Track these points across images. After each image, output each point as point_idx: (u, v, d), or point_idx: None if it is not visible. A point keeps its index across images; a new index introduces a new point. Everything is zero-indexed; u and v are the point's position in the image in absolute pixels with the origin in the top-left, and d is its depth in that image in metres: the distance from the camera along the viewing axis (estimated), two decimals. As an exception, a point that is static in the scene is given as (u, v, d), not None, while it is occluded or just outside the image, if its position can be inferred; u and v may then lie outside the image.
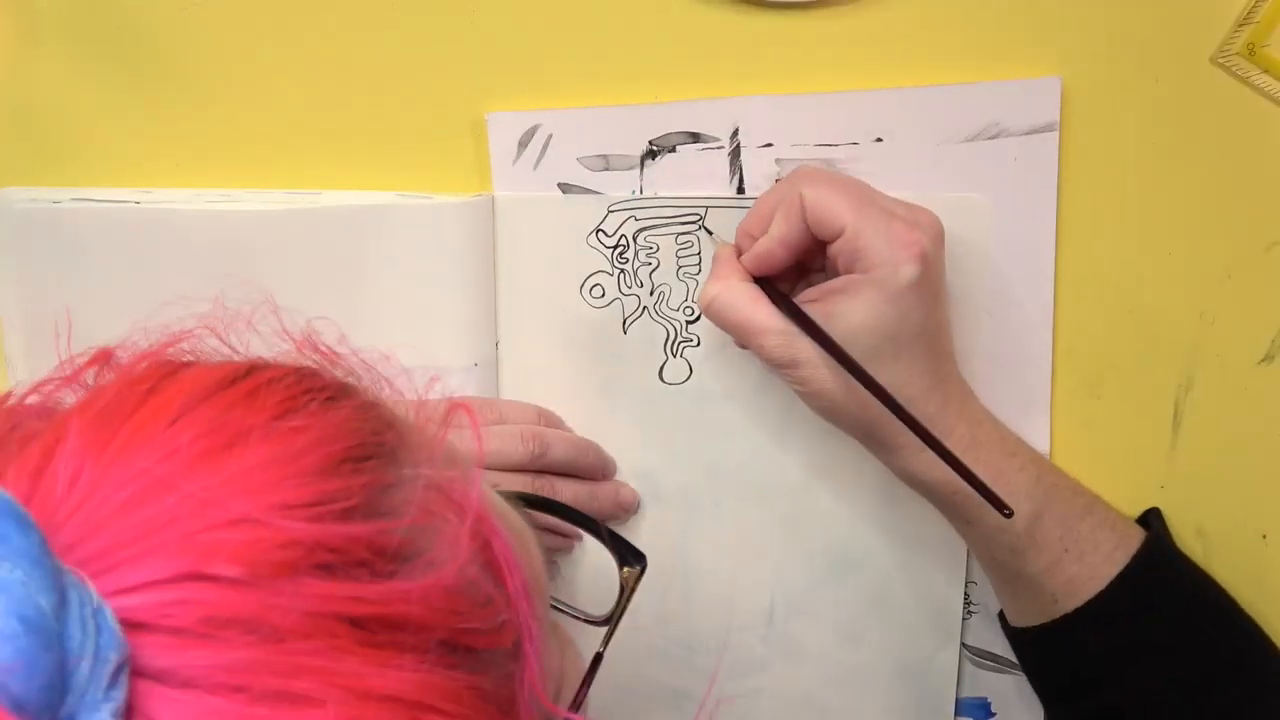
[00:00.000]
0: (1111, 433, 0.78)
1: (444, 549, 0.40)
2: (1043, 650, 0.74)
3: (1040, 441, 0.77)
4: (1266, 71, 0.72)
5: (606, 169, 0.75)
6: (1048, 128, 0.73)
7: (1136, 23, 0.73)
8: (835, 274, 0.68)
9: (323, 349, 0.46)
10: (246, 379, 0.41)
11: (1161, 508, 0.77)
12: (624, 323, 0.77)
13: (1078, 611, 0.70)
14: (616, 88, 0.75)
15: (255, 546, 0.36)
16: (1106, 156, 0.74)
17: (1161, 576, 0.72)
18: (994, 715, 0.81)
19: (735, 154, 0.74)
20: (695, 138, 0.74)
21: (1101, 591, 0.70)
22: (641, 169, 0.75)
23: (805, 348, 0.67)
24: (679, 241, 0.75)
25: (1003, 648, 0.80)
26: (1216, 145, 0.74)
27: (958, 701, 0.81)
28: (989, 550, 0.72)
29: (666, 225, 0.75)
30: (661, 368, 0.77)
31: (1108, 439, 0.78)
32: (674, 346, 0.77)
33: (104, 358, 0.44)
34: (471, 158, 0.75)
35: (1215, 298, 0.76)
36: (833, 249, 0.67)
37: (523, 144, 0.75)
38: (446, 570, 0.39)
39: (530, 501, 0.54)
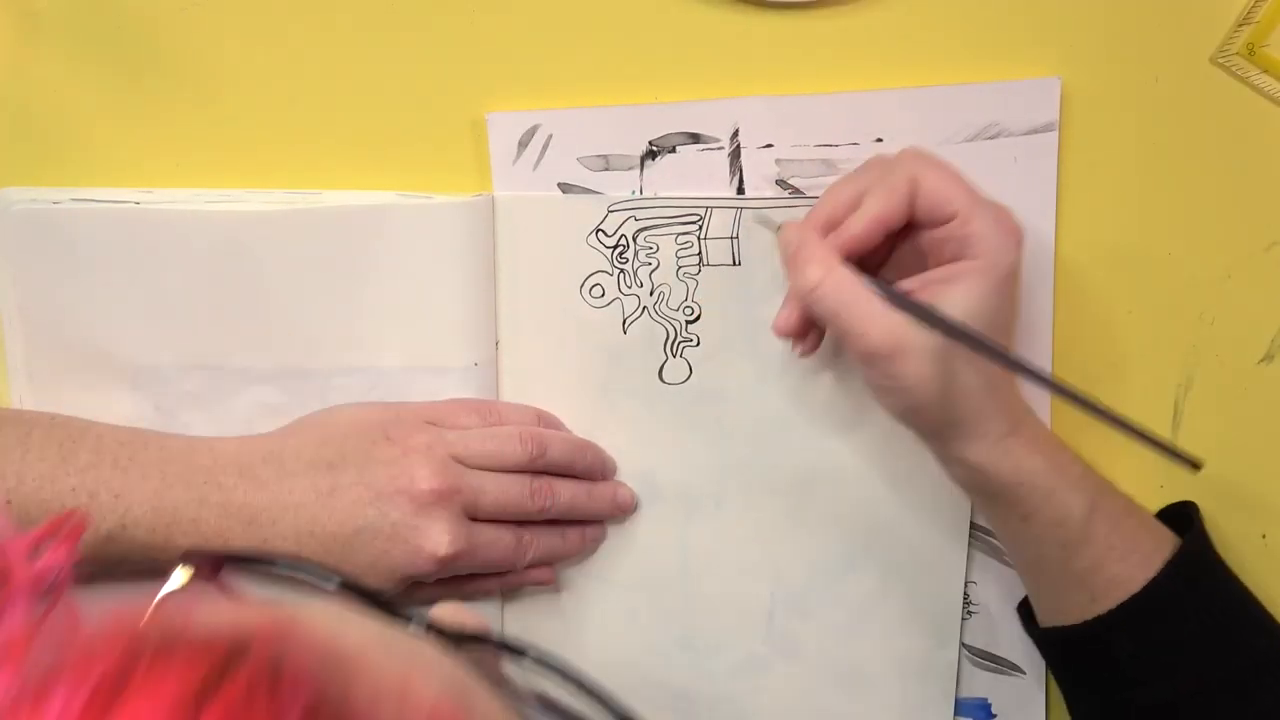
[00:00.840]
0: (1112, 433, 0.78)
1: None
2: (1076, 649, 0.73)
3: (1041, 442, 0.77)
4: (1266, 71, 0.72)
5: (606, 169, 0.75)
6: (1047, 128, 0.73)
7: (1136, 23, 0.73)
8: (917, 264, 0.68)
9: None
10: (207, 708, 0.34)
11: (1160, 507, 0.77)
12: (624, 323, 0.76)
13: (1115, 611, 0.69)
14: (616, 88, 0.75)
15: None
16: (1106, 157, 0.74)
17: (1198, 578, 0.72)
18: (994, 716, 0.81)
19: (735, 154, 0.74)
20: (695, 138, 0.74)
21: (1139, 592, 0.69)
22: (641, 169, 0.75)
23: (911, 337, 0.64)
24: (679, 242, 0.75)
25: (1004, 648, 0.80)
26: (1216, 145, 0.74)
27: (958, 702, 0.81)
28: (1038, 547, 0.70)
29: (666, 225, 0.75)
30: (661, 368, 0.77)
31: (1107, 439, 0.78)
32: (674, 346, 0.77)
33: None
34: (471, 158, 0.75)
35: (1215, 298, 0.76)
36: (938, 234, 0.66)
37: (523, 144, 0.75)
38: None
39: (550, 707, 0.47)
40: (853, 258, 0.67)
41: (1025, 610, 0.78)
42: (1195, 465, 0.65)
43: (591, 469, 0.77)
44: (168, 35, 0.74)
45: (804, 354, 0.73)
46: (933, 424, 0.68)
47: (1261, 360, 0.77)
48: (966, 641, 0.80)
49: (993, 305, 0.65)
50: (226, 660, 0.34)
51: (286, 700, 0.34)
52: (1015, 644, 0.80)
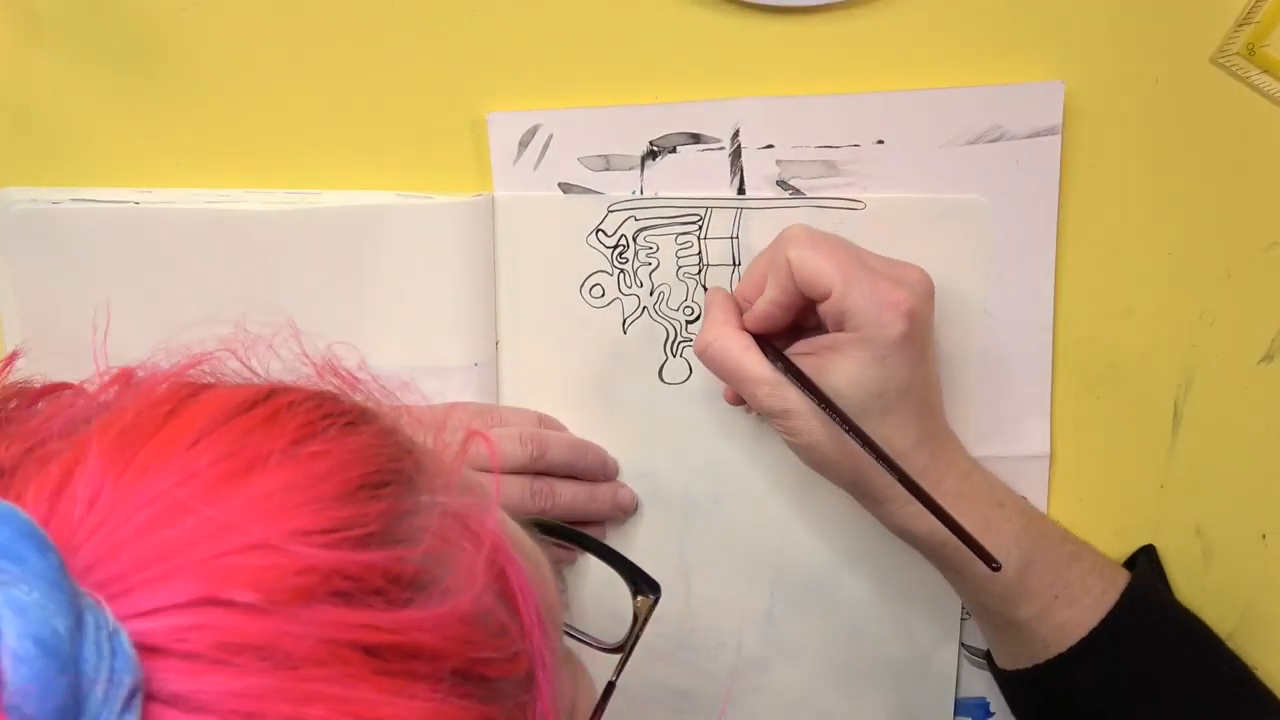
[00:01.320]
0: (1111, 433, 0.78)
1: (459, 577, 0.39)
2: (1034, 692, 0.74)
3: (1040, 442, 0.77)
4: (1266, 71, 0.72)
5: (607, 169, 0.75)
6: (1050, 131, 0.73)
7: (1137, 24, 0.73)
8: (827, 330, 0.69)
9: (343, 374, 0.45)
10: (265, 403, 0.40)
11: (1161, 508, 0.77)
12: (624, 323, 0.76)
13: (1068, 652, 0.70)
14: (617, 88, 0.74)
15: (271, 572, 0.35)
16: (1107, 158, 0.74)
17: (1148, 614, 0.72)
18: (992, 715, 0.81)
19: (736, 155, 0.74)
20: (696, 138, 0.74)
21: (1090, 631, 0.70)
22: (642, 169, 0.75)
23: (796, 399, 0.68)
24: (679, 242, 0.75)
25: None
26: (1216, 145, 0.74)
27: (956, 702, 0.81)
28: (979, 599, 0.72)
29: (666, 225, 0.75)
30: (661, 367, 0.77)
31: (1108, 439, 0.78)
32: (674, 346, 0.77)
33: (125, 377, 0.43)
34: (472, 158, 0.75)
35: (1215, 298, 0.76)
36: (821, 309, 0.68)
37: (523, 144, 0.75)
38: (462, 599, 0.39)
39: (545, 528, 0.53)
40: (768, 332, 0.71)
41: (990, 655, 0.78)
42: (995, 566, 0.65)
43: (592, 470, 0.77)
44: (168, 35, 0.74)
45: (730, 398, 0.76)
46: (841, 482, 0.71)
47: (1261, 360, 0.77)
48: (965, 642, 0.80)
49: (874, 374, 0.67)
50: (279, 386, 0.42)
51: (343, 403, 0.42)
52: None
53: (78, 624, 0.32)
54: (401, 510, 0.40)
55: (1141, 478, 0.78)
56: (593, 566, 0.78)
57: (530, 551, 0.47)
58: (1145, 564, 0.76)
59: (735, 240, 0.75)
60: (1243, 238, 0.75)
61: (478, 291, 0.75)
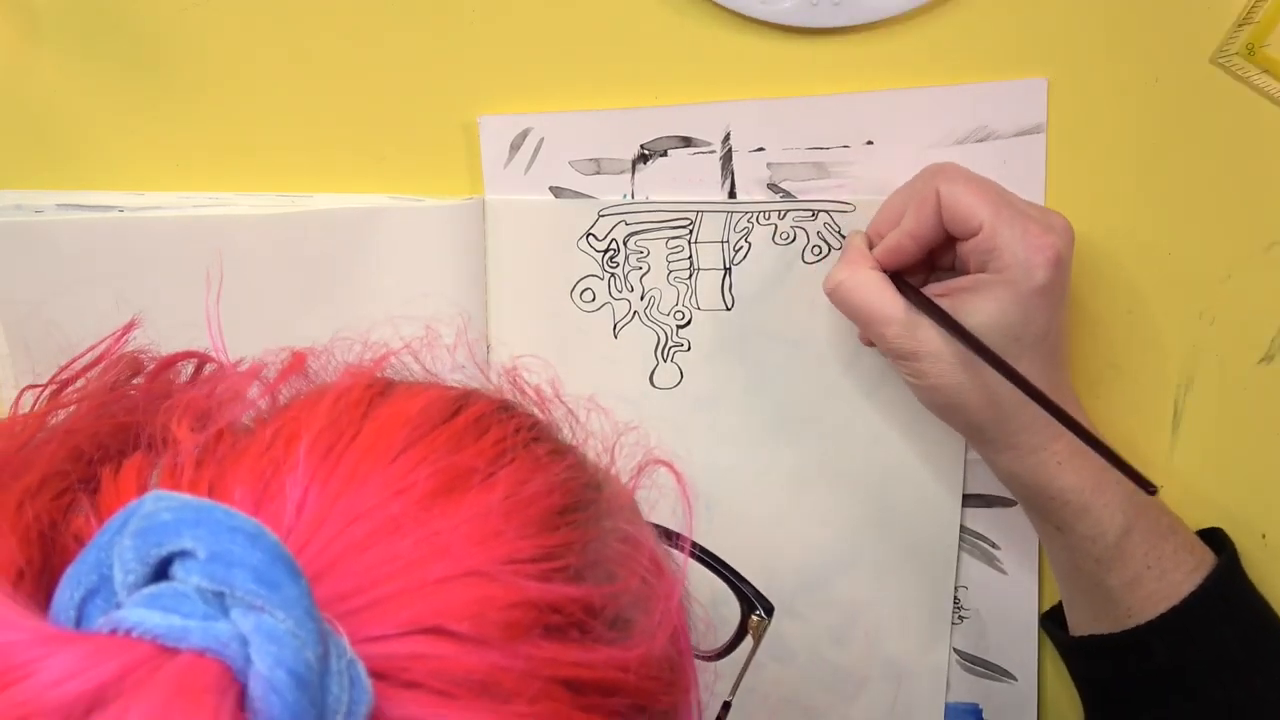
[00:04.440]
0: (1111, 433, 0.77)
1: (656, 616, 0.40)
2: (1108, 659, 0.73)
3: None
4: (1266, 71, 0.71)
5: (598, 172, 0.75)
6: (1036, 129, 0.72)
7: (1136, 23, 0.72)
8: (965, 272, 0.68)
9: (527, 389, 0.47)
10: (458, 415, 0.41)
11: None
12: (615, 327, 0.76)
13: (1150, 624, 0.70)
14: (608, 92, 0.74)
15: (488, 604, 0.36)
16: (1102, 158, 0.74)
17: (1235, 596, 0.72)
18: None
19: (727, 158, 0.74)
20: (687, 142, 0.74)
21: (1177, 605, 0.69)
22: (633, 173, 0.75)
23: (930, 339, 0.67)
24: (669, 246, 0.75)
25: (995, 654, 0.81)
26: (1216, 145, 0.73)
27: (949, 707, 0.81)
28: (1073, 559, 0.71)
29: (657, 230, 0.75)
30: (652, 372, 0.77)
31: (1108, 439, 0.77)
32: (665, 351, 0.77)
33: (298, 365, 0.45)
34: (463, 161, 0.75)
35: (1215, 298, 0.75)
36: (966, 247, 0.66)
37: (514, 147, 0.74)
38: (656, 642, 0.40)
39: (673, 539, 0.54)
40: (898, 267, 0.69)
41: (1051, 620, 0.78)
42: (1153, 489, 0.64)
43: None
44: (166, 37, 0.74)
45: (864, 340, 0.74)
46: (964, 427, 0.70)
47: (1261, 360, 0.76)
48: (958, 646, 0.80)
49: (1014, 318, 0.65)
50: (466, 394, 0.43)
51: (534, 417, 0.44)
52: (1007, 650, 0.81)
53: (324, 654, 0.32)
54: (591, 537, 0.41)
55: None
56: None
57: (673, 569, 0.47)
58: (1230, 547, 0.75)
59: (725, 244, 0.75)
60: (1243, 238, 0.74)
61: (469, 295, 0.75)
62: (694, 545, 0.60)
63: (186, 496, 0.33)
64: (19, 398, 0.44)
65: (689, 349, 0.77)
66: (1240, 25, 0.71)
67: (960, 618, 0.79)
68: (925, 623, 0.80)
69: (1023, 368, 0.66)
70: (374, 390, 0.41)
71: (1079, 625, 0.75)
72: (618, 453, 0.47)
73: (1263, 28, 0.70)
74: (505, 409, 0.43)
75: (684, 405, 0.77)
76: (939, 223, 0.66)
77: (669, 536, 0.55)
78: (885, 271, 0.69)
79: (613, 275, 0.76)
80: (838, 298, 0.69)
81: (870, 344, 0.73)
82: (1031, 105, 0.72)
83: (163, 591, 0.32)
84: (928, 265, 0.70)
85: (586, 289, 0.76)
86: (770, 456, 0.77)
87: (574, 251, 0.75)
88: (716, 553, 0.78)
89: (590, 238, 0.75)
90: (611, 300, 0.76)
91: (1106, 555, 0.69)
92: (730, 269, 0.75)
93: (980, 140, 0.73)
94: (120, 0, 0.73)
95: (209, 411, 0.40)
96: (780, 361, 0.75)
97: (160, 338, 0.47)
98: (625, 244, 0.75)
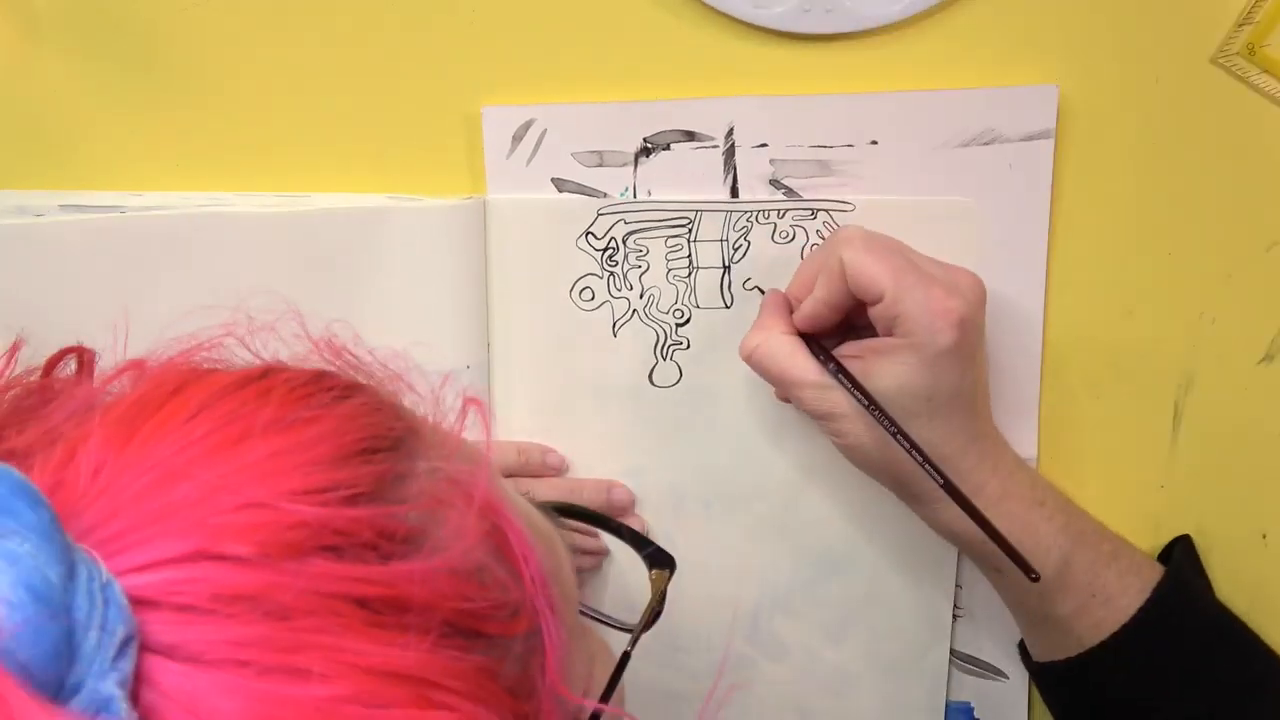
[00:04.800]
0: (1111, 433, 0.78)
1: (449, 534, 0.40)
2: (1067, 684, 0.74)
3: (1028, 445, 0.77)
4: (1266, 71, 0.71)
5: (600, 165, 0.75)
6: (1043, 134, 0.72)
7: (1136, 23, 0.71)
8: (876, 333, 0.68)
9: (342, 352, 0.47)
10: (264, 379, 0.42)
11: (1161, 508, 0.77)
12: (614, 325, 0.76)
13: (1099, 646, 0.70)
14: (612, 85, 0.74)
15: (264, 528, 0.37)
16: (1105, 160, 0.73)
17: (1179, 611, 0.72)
18: (978, 720, 0.82)
19: (729, 153, 0.74)
20: (690, 136, 0.74)
21: (1122, 627, 0.70)
22: (635, 166, 0.75)
23: (842, 401, 0.68)
24: (668, 245, 0.75)
25: (988, 653, 0.81)
26: (1216, 146, 0.73)
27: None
28: (1017, 595, 0.72)
29: (656, 228, 0.75)
30: (651, 371, 0.77)
31: (1108, 439, 0.78)
32: (664, 349, 0.77)
33: (136, 366, 0.45)
34: (465, 153, 0.75)
35: (1215, 298, 0.75)
36: (872, 312, 0.67)
37: (517, 138, 0.74)
38: (451, 554, 0.40)
39: (559, 509, 0.54)
40: (816, 331, 0.70)
41: (1021, 647, 0.79)
42: (1034, 576, 0.66)
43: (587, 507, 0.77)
44: (167, 36, 0.74)
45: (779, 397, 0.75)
46: (888, 482, 0.71)
47: (1261, 360, 0.76)
48: (952, 645, 0.80)
49: (923, 381, 0.66)
50: (279, 364, 0.45)
51: (338, 377, 0.44)
52: (999, 648, 0.81)
53: (70, 574, 0.33)
54: (395, 473, 0.41)
55: (1141, 478, 0.78)
56: (612, 575, 0.79)
57: (537, 522, 0.48)
58: (1180, 558, 0.75)
59: (725, 243, 0.75)
60: (1243, 238, 0.74)
61: (469, 294, 0.75)
62: (585, 511, 0.63)
63: None
64: None
65: (688, 347, 0.77)
66: (1240, 25, 0.71)
67: (955, 616, 0.79)
68: (925, 623, 0.80)
69: (938, 426, 0.67)
70: (188, 375, 0.43)
71: (1037, 653, 0.76)
72: (441, 400, 0.47)
73: (1263, 28, 0.70)
74: (312, 372, 0.44)
75: (683, 403, 0.77)
76: (847, 290, 0.67)
77: (565, 511, 0.56)
78: (801, 333, 0.70)
79: (612, 274, 0.76)
80: (753, 362, 0.71)
81: (786, 400, 0.74)
82: (1040, 111, 0.72)
83: None
84: (845, 324, 0.71)
85: (586, 287, 0.76)
86: (769, 454, 0.77)
87: (573, 250, 0.75)
88: (706, 550, 0.78)
89: (589, 236, 0.75)
90: (611, 299, 0.76)
91: (1048, 589, 0.70)
92: (729, 267, 0.75)
93: (986, 143, 0.73)
94: (120, 0, 0.74)
95: (51, 417, 0.42)
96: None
97: (159, 338, 0.47)
98: (624, 242, 0.75)
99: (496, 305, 0.76)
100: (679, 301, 0.76)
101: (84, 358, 0.47)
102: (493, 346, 0.77)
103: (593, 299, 0.76)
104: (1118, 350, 0.77)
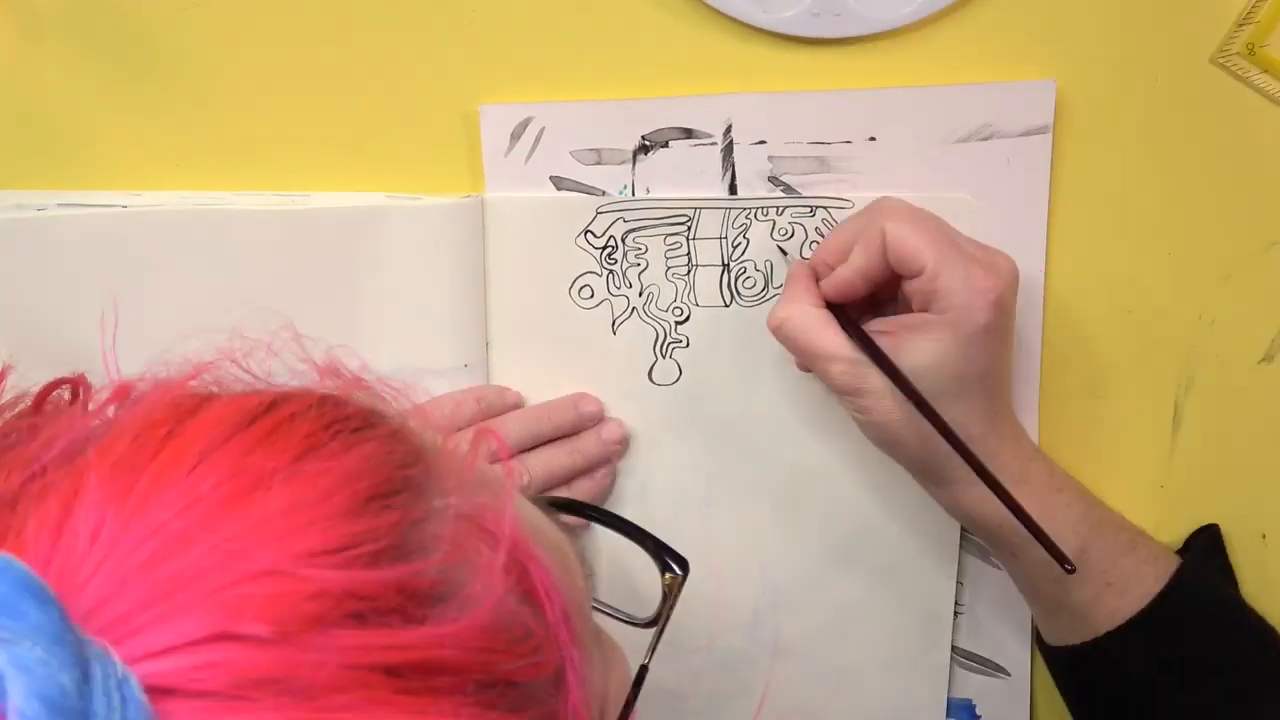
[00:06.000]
0: (1111, 433, 0.78)
1: (479, 585, 0.38)
2: (1080, 668, 0.74)
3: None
4: (1266, 71, 0.71)
5: (599, 163, 0.74)
6: (1041, 130, 0.72)
7: (1135, 23, 0.72)
8: (908, 308, 0.68)
9: (346, 375, 0.45)
10: (267, 415, 0.39)
11: (1161, 508, 0.77)
12: (613, 323, 0.76)
13: (1114, 633, 0.70)
14: (610, 82, 0.74)
15: (283, 601, 0.34)
16: (1104, 157, 0.74)
17: (1194, 601, 0.72)
18: (979, 718, 0.81)
19: (728, 150, 0.74)
20: (688, 133, 0.74)
21: (1136, 614, 0.70)
22: (634, 164, 0.74)
23: (871, 377, 0.67)
24: (668, 243, 0.75)
25: (990, 650, 0.81)
26: (1216, 145, 0.73)
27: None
28: (1032, 582, 0.72)
29: (655, 226, 0.75)
30: (651, 369, 0.77)
31: (1107, 439, 0.78)
32: (663, 347, 0.77)
33: (123, 393, 0.42)
34: (463, 151, 0.75)
35: (1215, 298, 0.75)
36: (910, 286, 0.67)
37: (515, 136, 0.74)
38: (483, 608, 0.38)
39: (561, 506, 0.53)
40: (843, 302, 0.69)
41: (1038, 630, 0.78)
42: (1069, 568, 0.65)
43: (563, 427, 0.76)
44: (167, 36, 0.74)
45: (801, 368, 0.74)
46: (906, 461, 0.71)
47: (1261, 360, 0.76)
48: (953, 642, 0.80)
49: (955, 359, 0.66)
50: (281, 395, 0.41)
51: (349, 407, 0.42)
52: (1001, 645, 0.81)
53: (84, 677, 0.31)
54: (413, 519, 0.39)
55: (1141, 478, 0.78)
56: (603, 535, 0.77)
57: (552, 539, 0.46)
58: (1200, 549, 0.75)
59: (724, 240, 0.75)
60: (1242, 238, 0.74)
61: (467, 293, 0.75)
62: (594, 509, 0.60)
63: None
64: None
65: (687, 345, 0.76)
66: (1240, 25, 0.71)
67: (956, 614, 0.79)
68: (926, 621, 0.80)
69: (963, 407, 0.66)
70: (183, 409, 0.40)
71: (1052, 638, 0.75)
72: (454, 427, 0.45)
73: (1263, 28, 0.70)
74: (322, 403, 0.41)
75: (682, 401, 0.77)
76: (885, 261, 0.67)
77: (575, 510, 0.54)
78: (829, 305, 0.70)
79: (611, 272, 0.75)
80: (782, 335, 0.70)
81: (807, 370, 0.73)
82: (1038, 106, 0.72)
83: None
84: (869, 300, 0.71)
85: (585, 286, 0.76)
86: (769, 452, 0.77)
87: (572, 248, 0.75)
88: (707, 549, 0.78)
89: (588, 235, 0.75)
90: (610, 297, 0.76)
91: (1064, 577, 0.69)
92: (728, 265, 0.75)
93: (984, 139, 0.73)
94: (120, 0, 0.73)
95: (33, 459, 0.39)
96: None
97: (160, 336, 0.47)
98: (623, 241, 0.75)
99: (495, 304, 0.76)
100: (678, 299, 0.76)
101: (78, 388, 0.44)
102: (491, 345, 0.77)
103: (592, 297, 0.76)
104: (1118, 350, 0.77)
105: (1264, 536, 0.78)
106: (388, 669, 0.35)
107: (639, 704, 0.50)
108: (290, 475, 0.37)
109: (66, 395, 0.43)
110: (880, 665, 0.80)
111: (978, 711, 0.81)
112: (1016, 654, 0.80)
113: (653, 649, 0.53)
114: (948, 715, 0.81)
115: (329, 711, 0.34)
